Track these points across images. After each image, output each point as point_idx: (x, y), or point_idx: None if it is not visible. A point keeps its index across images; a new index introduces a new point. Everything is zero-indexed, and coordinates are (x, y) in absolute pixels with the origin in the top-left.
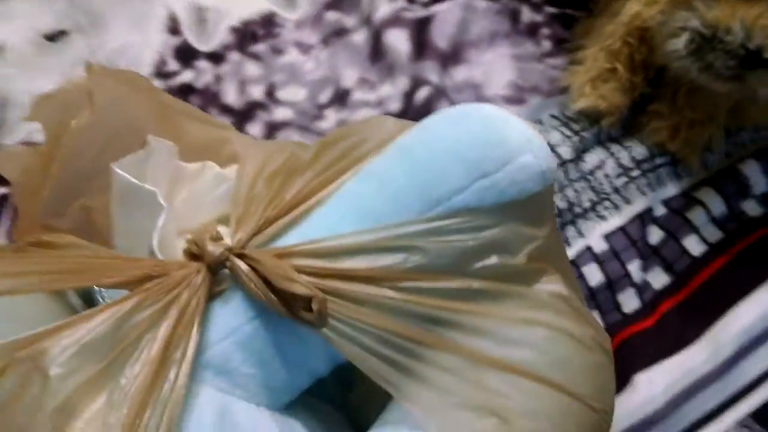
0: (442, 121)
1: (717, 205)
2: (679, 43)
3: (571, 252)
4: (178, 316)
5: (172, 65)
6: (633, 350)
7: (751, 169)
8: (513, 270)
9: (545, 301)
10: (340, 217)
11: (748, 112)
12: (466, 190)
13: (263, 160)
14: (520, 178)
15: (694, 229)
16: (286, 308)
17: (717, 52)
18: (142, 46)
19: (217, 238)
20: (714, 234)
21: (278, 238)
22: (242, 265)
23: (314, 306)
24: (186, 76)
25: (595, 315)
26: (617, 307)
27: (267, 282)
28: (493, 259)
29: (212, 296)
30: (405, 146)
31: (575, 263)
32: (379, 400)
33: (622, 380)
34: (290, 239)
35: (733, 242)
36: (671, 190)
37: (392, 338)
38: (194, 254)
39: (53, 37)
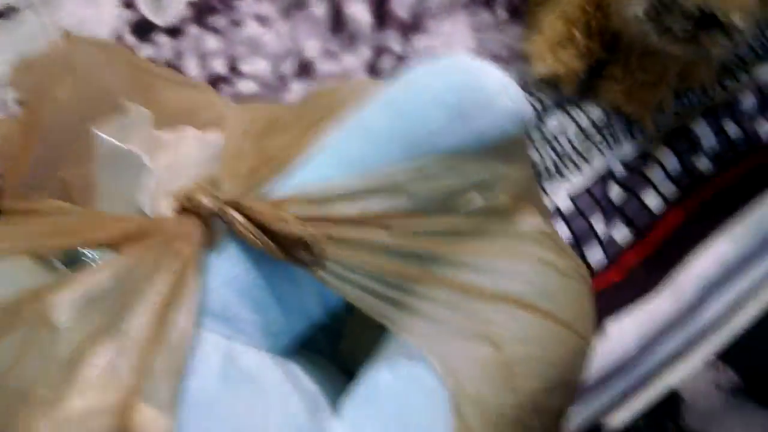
0: (424, 72)
1: (672, 162)
2: (639, 9)
3: None
4: (177, 267)
5: (130, 40)
6: (602, 301)
7: (700, 127)
8: (497, 208)
9: (529, 236)
10: (328, 167)
11: (695, 74)
12: (449, 135)
13: (248, 119)
14: (499, 121)
15: (653, 186)
16: (282, 251)
17: (674, 15)
18: (97, 22)
19: (209, 193)
20: (671, 190)
21: (268, 190)
22: (237, 215)
23: (311, 245)
24: (145, 51)
25: None
26: (585, 262)
27: (263, 229)
28: (477, 199)
29: (211, 248)
30: (388, 97)
31: None
32: (368, 349)
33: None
34: (280, 190)
35: (689, 197)
36: (628, 149)
37: (386, 276)
38: (187, 209)
39: (3, 13)
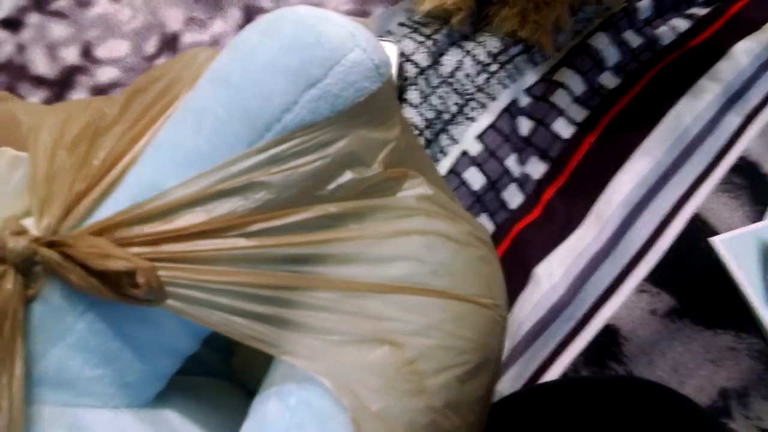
0: (253, 34)
1: (577, 83)
2: None
3: (448, 160)
4: None
5: None
6: (527, 244)
7: (600, 42)
8: (371, 182)
9: (413, 207)
10: (159, 171)
11: None
12: (296, 104)
13: (61, 125)
14: (352, 78)
15: (560, 112)
16: (113, 291)
17: None
18: None
19: (20, 232)
20: (580, 113)
21: (94, 212)
22: (53, 255)
23: (140, 280)
24: None
25: (484, 217)
26: (503, 205)
27: (85, 267)
28: (346, 176)
29: (29, 299)
30: (218, 72)
31: (455, 171)
32: (262, 363)
33: (524, 275)
34: (108, 210)
35: (599, 117)
36: (531, 77)
37: (253, 291)
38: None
39: None
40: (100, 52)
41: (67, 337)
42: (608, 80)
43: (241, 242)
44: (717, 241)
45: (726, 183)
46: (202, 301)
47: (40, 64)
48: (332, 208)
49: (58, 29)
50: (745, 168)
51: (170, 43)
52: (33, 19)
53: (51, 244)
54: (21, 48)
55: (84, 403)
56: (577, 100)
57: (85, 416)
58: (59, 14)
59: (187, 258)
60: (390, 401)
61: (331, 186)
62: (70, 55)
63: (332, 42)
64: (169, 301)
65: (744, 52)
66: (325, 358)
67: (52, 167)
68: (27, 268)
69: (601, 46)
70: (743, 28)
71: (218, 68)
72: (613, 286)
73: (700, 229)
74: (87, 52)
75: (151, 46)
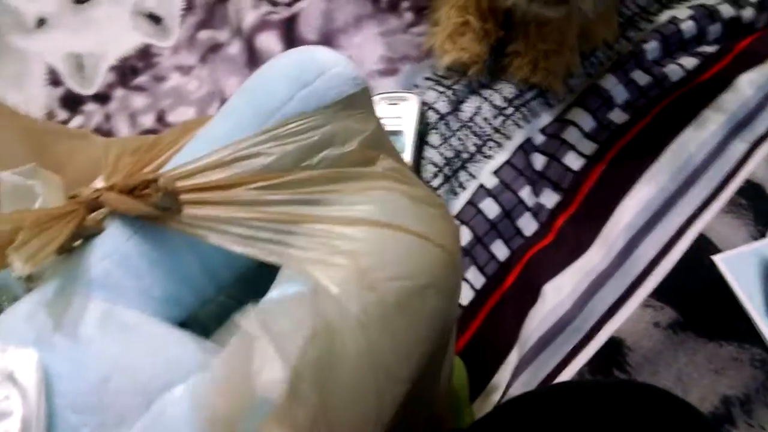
0: (272, 60)
1: (587, 120)
2: None
3: (466, 194)
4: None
5: (62, 114)
6: (539, 266)
7: (609, 82)
8: (350, 158)
9: (381, 173)
10: (194, 149)
11: (596, 33)
12: (292, 99)
13: (127, 143)
14: (334, 83)
15: (571, 147)
16: (144, 202)
17: None
18: (27, 104)
19: (89, 188)
20: (589, 147)
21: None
22: (110, 194)
23: (159, 184)
24: (76, 122)
25: (499, 243)
26: (518, 232)
27: (129, 194)
28: (329, 151)
29: (96, 233)
30: (243, 85)
31: (472, 203)
32: None
33: (534, 293)
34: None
35: (607, 150)
36: (545, 118)
37: (258, 224)
38: (73, 201)
39: None
40: (172, 117)
41: (114, 255)
42: (617, 116)
43: (249, 193)
44: (719, 259)
45: (731, 204)
46: (222, 231)
47: (123, 129)
48: (316, 173)
49: (138, 100)
50: (749, 190)
51: None
52: (118, 93)
53: (110, 188)
54: (108, 117)
55: (121, 302)
56: (587, 135)
57: (117, 308)
58: (140, 88)
59: (211, 202)
60: (346, 290)
61: (317, 158)
62: (148, 121)
63: (322, 60)
64: (198, 231)
65: (748, 83)
66: (301, 265)
67: (117, 163)
68: (94, 208)
69: (609, 86)
70: (748, 60)
71: (245, 83)
72: (618, 301)
73: (704, 248)
74: (161, 118)
75: (213, 109)
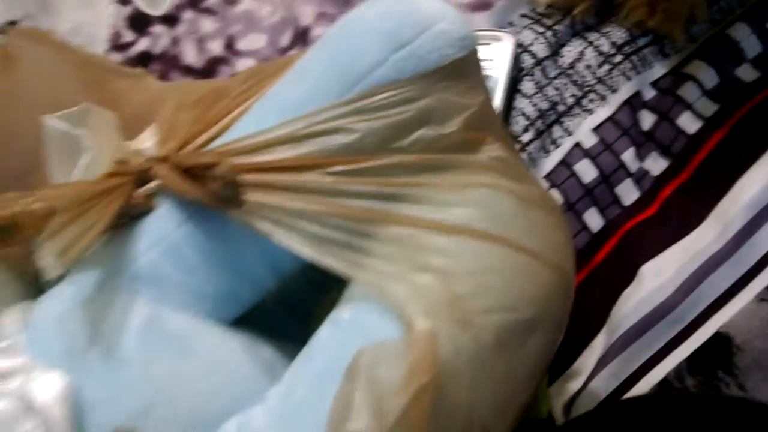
0: (359, 8)
1: (709, 76)
2: None
3: (559, 152)
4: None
5: (128, 36)
6: (638, 241)
7: (741, 33)
8: (449, 141)
9: (485, 165)
10: (262, 116)
11: None
12: (385, 63)
13: (186, 93)
14: (438, 44)
15: (687, 106)
16: (198, 189)
17: None
18: (95, 23)
19: (139, 154)
20: (709, 107)
21: (204, 148)
22: (163, 168)
23: (218, 171)
24: (143, 44)
25: (593, 211)
26: (616, 200)
27: (184, 174)
28: (425, 131)
29: (146, 212)
30: (324, 39)
31: (566, 163)
32: None
33: (630, 274)
34: (216, 145)
35: (731, 113)
36: (659, 70)
37: (330, 220)
38: (116, 172)
39: (3, 30)
40: (241, 44)
41: (163, 243)
42: (746, 73)
43: (324, 178)
44: None
45: None
46: (289, 227)
47: (190, 55)
48: (408, 158)
49: (207, 24)
50: None
51: (302, 36)
52: (188, 15)
53: (165, 161)
54: (175, 41)
55: (168, 302)
56: (708, 93)
57: (165, 312)
58: (210, 11)
59: (274, 186)
60: (436, 326)
61: (409, 139)
62: (216, 47)
63: (425, 12)
64: (261, 225)
65: None
66: (381, 282)
67: (174, 118)
68: (143, 181)
69: (739, 36)
70: None
71: (326, 35)
72: (730, 291)
73: None
74: (230, 45)
75: (285, 39)
